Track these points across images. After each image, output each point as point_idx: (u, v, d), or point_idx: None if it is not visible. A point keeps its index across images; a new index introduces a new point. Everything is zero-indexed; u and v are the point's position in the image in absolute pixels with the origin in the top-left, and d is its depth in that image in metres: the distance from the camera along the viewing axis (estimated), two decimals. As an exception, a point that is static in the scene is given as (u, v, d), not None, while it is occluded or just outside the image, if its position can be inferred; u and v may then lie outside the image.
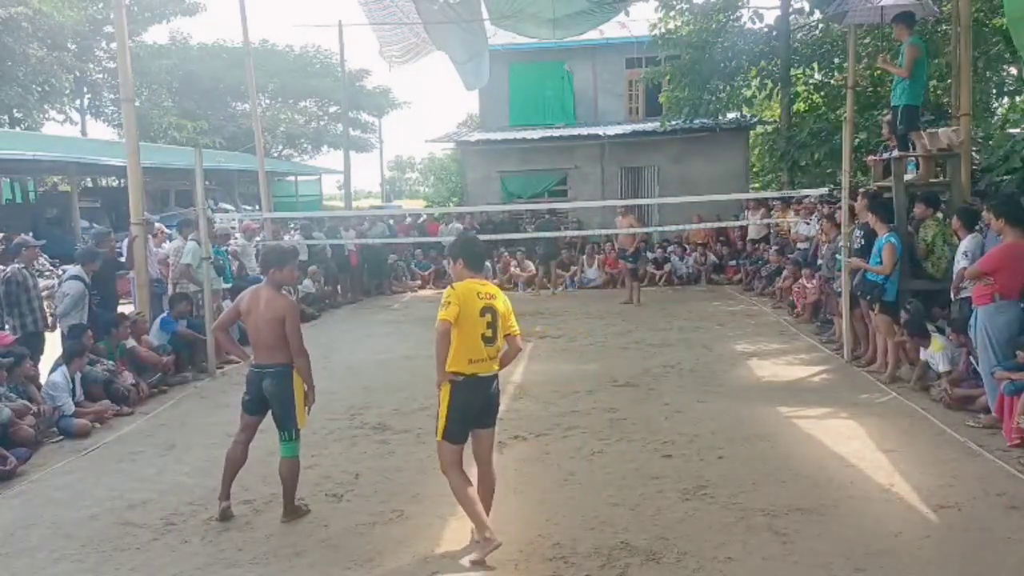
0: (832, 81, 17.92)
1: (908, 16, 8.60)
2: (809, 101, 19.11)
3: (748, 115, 19.69)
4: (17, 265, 7.61)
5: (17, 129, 29.42)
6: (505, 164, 19.16)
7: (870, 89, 15.68)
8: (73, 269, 8.05)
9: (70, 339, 7.42)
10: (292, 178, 35.94)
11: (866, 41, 15.55)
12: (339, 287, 14.66)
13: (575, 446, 5.77)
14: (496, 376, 4.13)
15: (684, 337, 9.85)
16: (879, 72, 14.40)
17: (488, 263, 15.89)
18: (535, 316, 12.00)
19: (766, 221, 14.34)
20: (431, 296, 15.33)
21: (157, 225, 11.11)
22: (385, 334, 10.98)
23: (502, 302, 4.12)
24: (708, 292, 14.30)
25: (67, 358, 6.95)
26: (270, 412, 4.70)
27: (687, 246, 16.14)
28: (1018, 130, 11.43)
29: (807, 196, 12.36)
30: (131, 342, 8.14)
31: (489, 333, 4.02)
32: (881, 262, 7.25)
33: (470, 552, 4.01)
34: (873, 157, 10.25)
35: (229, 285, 9.93)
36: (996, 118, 14.95)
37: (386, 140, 70.56)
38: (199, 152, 9.09)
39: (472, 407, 4.06)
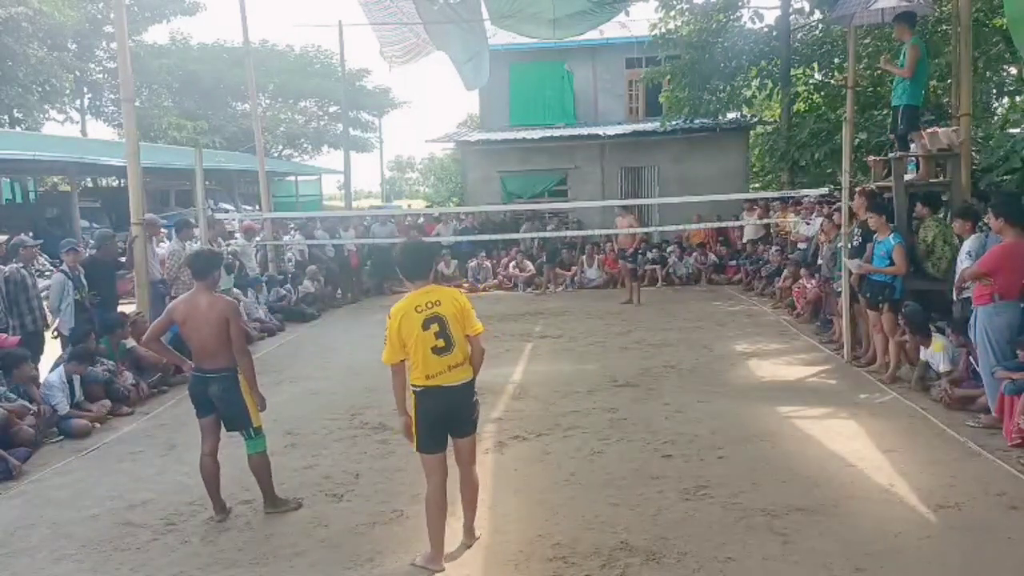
0: (832, 81, 17.93)
1: (909, 16, 8.61)
2: (809, 101, 19.12)
3: (748, 115, 19.70)
4: (15, 265, 7.61)
5: (17, 129, 29.42)
6: (505, 164, 19.16)
7: (870, 89, 15.69)
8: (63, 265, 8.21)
9: (72, 342, 7.45)
10: (292, 178, 35.95)
11: (866, 41, 15.56)
12: (339, 287, 14.66)
13: (575, 446, 5.77)
14: (466, 385, 3.95)
15: (684, 337, 9.85)
16: (879, 72, 14.42)
17: (488, 263, 15.95)
18: (535, 316, 12.02)
19: (764, 221, 14.35)
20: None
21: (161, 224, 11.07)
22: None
23: (451, 305, 3.89)
24: (708, 292, 14.30)
25: (70, 360, 6.96)
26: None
27: (687, 246, 16.15)
28: (1018, 130, 11.43)
29: (807, 196, 12.37)
30: (131, 342, 8.14)
31: (440, 343, 3.83)
32: (890, 263, 7.27)
33: (456, 553, 4.05)
34: (873, 157, 10.26)
35: (232, 286, 9.93)
36: (996, 118, 14.95)
37: (386, 140, 70.61)
38: (199, 152, 9.10)
39: (437, 416, 3.91)
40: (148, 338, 4.88)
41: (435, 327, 3.84)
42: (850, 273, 7.94)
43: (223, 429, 4.74)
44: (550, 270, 15.31)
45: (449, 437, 4.02)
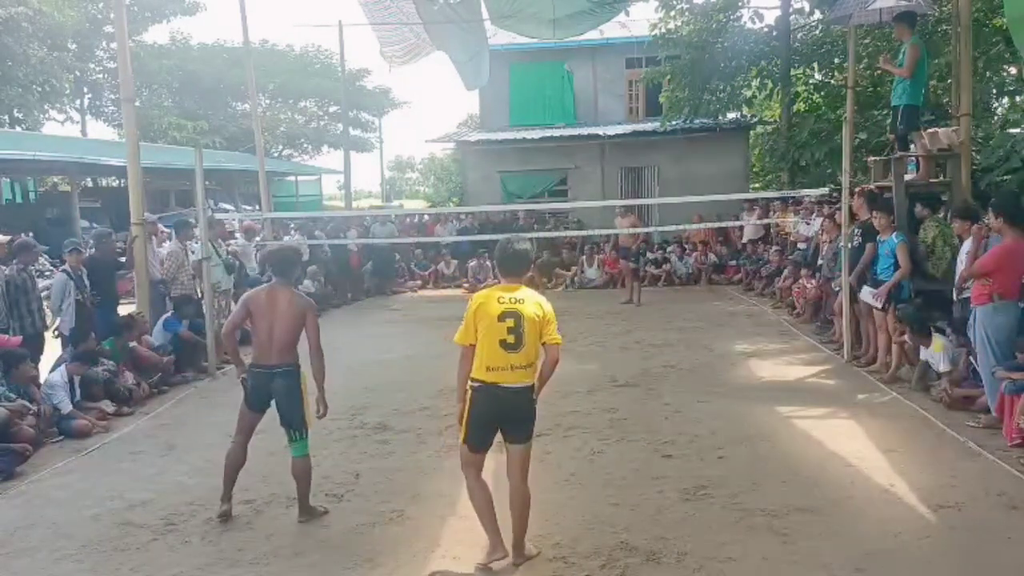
0: (832, 81, 17.93)
1: (909, 16, 8.62)
2: (809, 101, 19.12)
3: (748, 115, 19.71)
4: (17, 267, 7.61)
5: (17, 129, 29.42)
6: (505, 164, 19.16)
7: (870, 89, 15.68)
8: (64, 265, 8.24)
9: (71, 342, 7.44)
10: (292, 178, 35.93)
11: (866, 41, 15.56)
12: (339, 287, 14.66)
13: (575, 446, 5.76)
14: (524, 388, 3.82)
15: (684, 337, 9.85)
16: (879, 72, 14.40)
17: (488, 263, 15.93)
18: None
19: (764, 222, 14.35)
20: (431, 296, 15.35)
21: (161, 227, 11.07)
22: (385, 334, 10.97)
23: (534, 308, 3.83)
24: (708, 292, 14.30)
25: (72, 361, 6.96)
26: (276, 412, 4.66)
27: (687, 246, 16.15)
28: (1018, 130, 11.42)
29: (807, 196, 12.37)
30: (131, 342, 8.14)
31: (511, 339, 3.75)
32: (894, 263, 7.28)
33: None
34: (873, 157, 10.26)
35: (232, 286, 9.90)
36: (996, 118, 14.93)
37: (386, 140, 70.61)
38: (199, 152, 9.09)
39: (489, 416, 3.82)
40: (227, 331, 4.88)
41: (510, 322, 3.77)
42: (850, 273, 7.95)
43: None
44: (541, 272, 15.30)
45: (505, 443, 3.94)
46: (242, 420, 4.75)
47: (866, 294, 7.60)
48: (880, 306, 7.38)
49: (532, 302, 3.87)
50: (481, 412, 3.83)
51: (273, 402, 4.66)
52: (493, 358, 3.78)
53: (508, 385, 3.79)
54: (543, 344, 3.85)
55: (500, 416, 3.86)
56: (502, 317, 3.78)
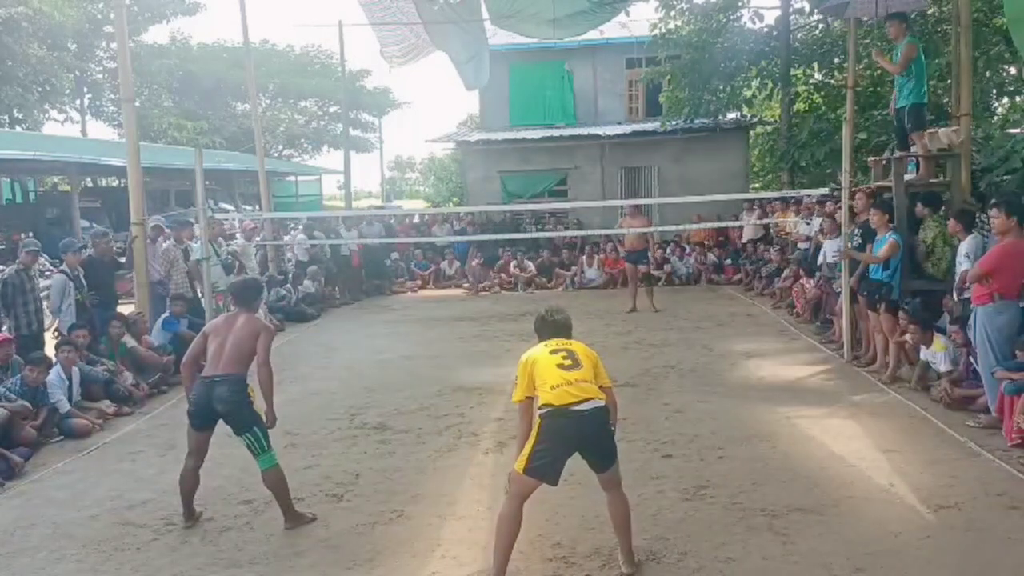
0: (832, 81, 17.93)
1: (901, 14, 8.62)
2: (809, 101, 19.11)
3: (748, 115, 19.70)
4: (15, 268, 7.61)
5: (17, 129, 29.41)
6: (505, 164, 19.16)
7: (870, 89, 15.69)
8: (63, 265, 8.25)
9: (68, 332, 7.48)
10: (292, 178, 35.94)
11: (866, 41, 15.56)
12: (339, 287, 14.65)
13: (575, 446, 5.75)
14: (596, 410, 3.67)
15: (684, 337, 9.84)
16: (879, 72, 14.41)
17: (492, 265, 15.94)
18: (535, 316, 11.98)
19: (764, 222, 14.35)
20: (431, 296, 15.35)
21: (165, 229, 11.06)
22: (385, 334, 10.97)
23: (583, 349, 3.92)
24: (708, 292, 14.29)
25: (59, 347, 6.99)
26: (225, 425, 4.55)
27: (686, 246, 16.15)
28: (1018, 130, 11.41)
29: (807, 196, 12.36)
30: (131, 342, 8.15)
31: (567, 362, 3.76)
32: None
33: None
34: (874, 157, 10.26)
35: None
36: (996, 118, 14.93)
37: (386, 140, 70.64)
38: (199, 152, 9.10)
39: (564, 440, 3.65)
40: (186, 360, 4.78)
41: (563, 354, 3.84)
42: (850, 273, 7.95)
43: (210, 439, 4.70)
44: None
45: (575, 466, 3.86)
46: (190, 441, 4.65)
47: (830, 244, 7.59)
48: (842, 258, 7.43)
49: (581, 347, 3.94)
50: (554, 437, 3.64)
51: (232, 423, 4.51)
52: (553, 379, 3.71)
53: (579, 408, 3.63)
54: (601, 387, 3.80)
55: (577, 442, 3.72)
56: (554, 352, 3.85)
